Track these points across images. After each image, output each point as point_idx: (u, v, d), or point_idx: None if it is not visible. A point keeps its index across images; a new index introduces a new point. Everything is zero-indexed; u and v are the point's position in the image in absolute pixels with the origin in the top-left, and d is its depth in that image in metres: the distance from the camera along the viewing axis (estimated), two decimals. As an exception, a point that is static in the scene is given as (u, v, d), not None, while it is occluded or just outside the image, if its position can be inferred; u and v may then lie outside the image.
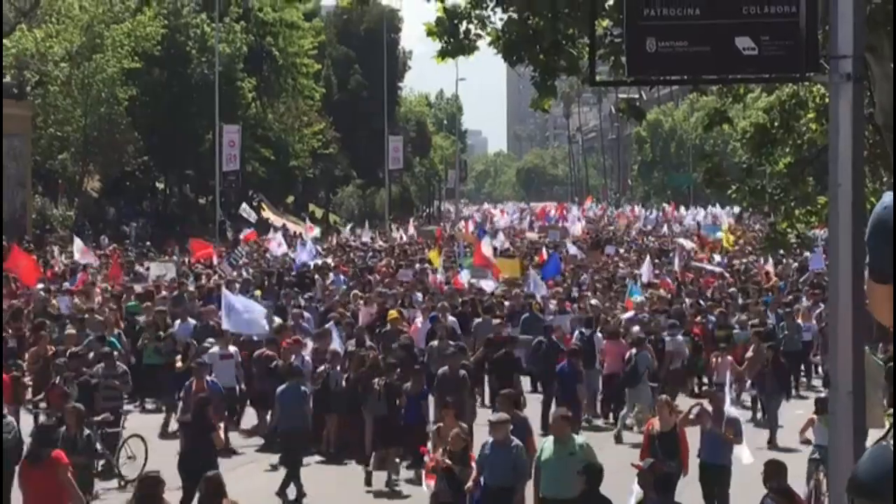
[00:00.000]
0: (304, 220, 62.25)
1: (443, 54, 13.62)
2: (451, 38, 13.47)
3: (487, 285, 30.26)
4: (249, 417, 21.26)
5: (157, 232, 56.13)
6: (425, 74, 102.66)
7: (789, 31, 6.47)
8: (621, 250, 47.96)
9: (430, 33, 13.50)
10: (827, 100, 8.16)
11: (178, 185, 67.74)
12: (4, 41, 52.13)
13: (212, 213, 60.17)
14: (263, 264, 39.97)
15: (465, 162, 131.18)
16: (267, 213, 71.22)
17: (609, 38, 12.95)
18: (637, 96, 47.97)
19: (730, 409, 15.07)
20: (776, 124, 17.36)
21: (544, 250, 43.41)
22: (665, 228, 68.07)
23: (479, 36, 13.59)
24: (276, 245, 44.65)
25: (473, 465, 13.95)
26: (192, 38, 61.75)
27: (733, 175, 18.85)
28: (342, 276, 34.21)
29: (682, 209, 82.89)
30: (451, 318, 24.22)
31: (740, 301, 29.71)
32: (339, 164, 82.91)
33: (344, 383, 19.28)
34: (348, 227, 64.51)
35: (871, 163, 14.68)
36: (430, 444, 15.88)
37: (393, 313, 24.02)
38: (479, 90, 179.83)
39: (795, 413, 22.64)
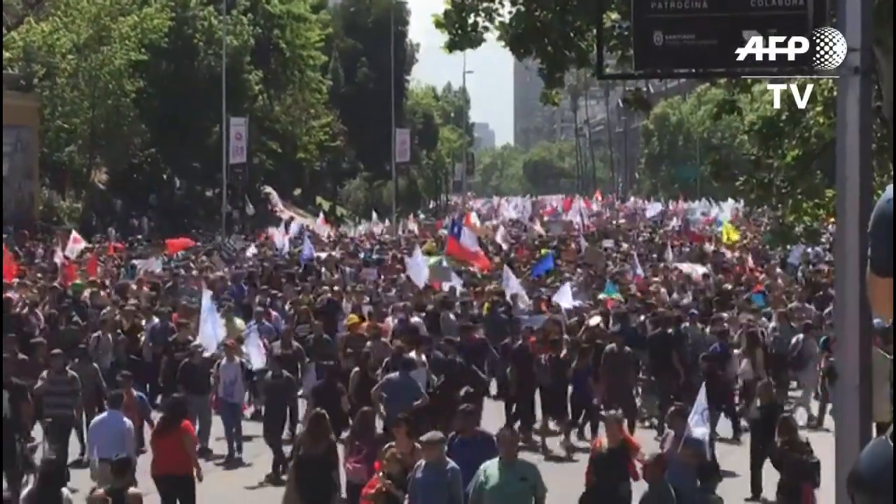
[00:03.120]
0: (312, 213, 62.11)
1: (451, 46, 13.67)
2: (459, 30, 13.50)
3: (456, 283, 28.28)
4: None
5: (164, 224, 56.12)
6: (433, 67, 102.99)
7: (797, 24, 6.47)
8: (622, 246, 46.99)
9: (438, 25, 13.54)
10: (835, 93, 8.15)
11: (185, 178, 67.77)
12: (12, 33, 52.25)
13: (218, 205, 60.20)
14: (269, 254, 39.91)
15: (473, 155, 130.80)
16: (275, 206, 71.18)
17: (617, 31, 12.97)
18: (644, 88, 47.81)
19: (695, 431, 13.30)
20: (784, 117, 17.32)
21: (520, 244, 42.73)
22: (674, 222, 67.41)
23: (487, 28, 13.62)
24: (280, 238, 44.46)
25: None
26: (199, 31, 61.72)
27: (741, 168, 18.82)
28: (348, 269, 34.14)
29: (692, 203, 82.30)
30: (415, 319, 22.80)
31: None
32: (346, 157, 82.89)
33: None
34: (361, 224, 63.54)
35: (879, 156, 14.65)
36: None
37: (353, 318, 22.61)
38: (487, 83, 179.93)
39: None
